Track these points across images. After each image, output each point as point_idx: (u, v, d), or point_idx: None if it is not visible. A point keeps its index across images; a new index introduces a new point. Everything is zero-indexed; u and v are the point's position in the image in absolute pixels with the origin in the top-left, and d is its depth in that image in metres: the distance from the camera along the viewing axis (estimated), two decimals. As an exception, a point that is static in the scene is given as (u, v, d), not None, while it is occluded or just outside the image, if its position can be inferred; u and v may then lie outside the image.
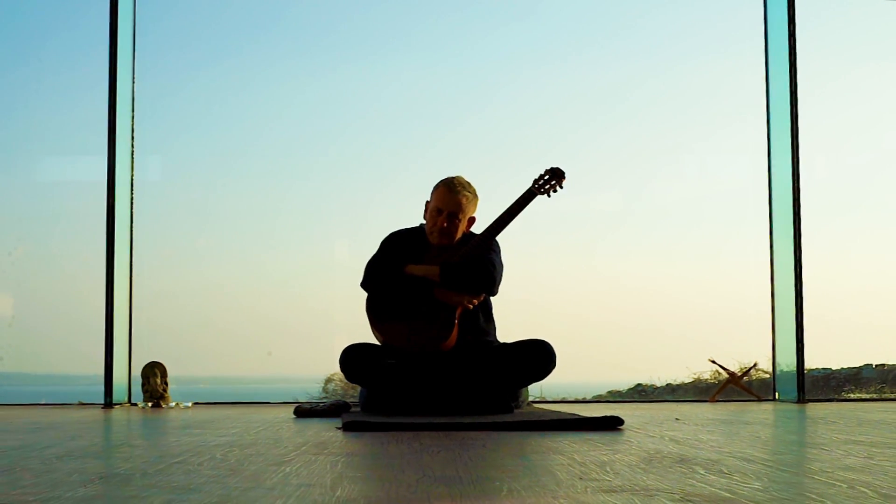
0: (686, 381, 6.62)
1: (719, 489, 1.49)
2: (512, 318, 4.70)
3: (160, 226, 5.64)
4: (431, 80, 6.42)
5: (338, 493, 1.46)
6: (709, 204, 6.32)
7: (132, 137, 4.56)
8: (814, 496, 1.42)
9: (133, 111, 4.58)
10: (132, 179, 4.54)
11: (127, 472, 1.75)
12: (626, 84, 6.33)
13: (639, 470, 1.74)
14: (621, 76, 6.32)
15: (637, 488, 1.50)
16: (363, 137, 6.35)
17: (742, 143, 5.93)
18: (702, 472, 1.71)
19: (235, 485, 1.56)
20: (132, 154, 4.55)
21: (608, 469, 1.75)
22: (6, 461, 1.94)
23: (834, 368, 7.50)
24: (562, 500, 1.38)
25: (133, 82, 4.58)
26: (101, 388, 4.70)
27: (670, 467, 1.78)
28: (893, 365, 7.46)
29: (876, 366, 7.47)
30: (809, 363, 7.40)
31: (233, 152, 6.37)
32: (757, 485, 1.54)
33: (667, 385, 6.96)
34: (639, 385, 7.18)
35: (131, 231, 4.49)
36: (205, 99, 6.33)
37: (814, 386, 7.22)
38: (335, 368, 6.36)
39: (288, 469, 1.77)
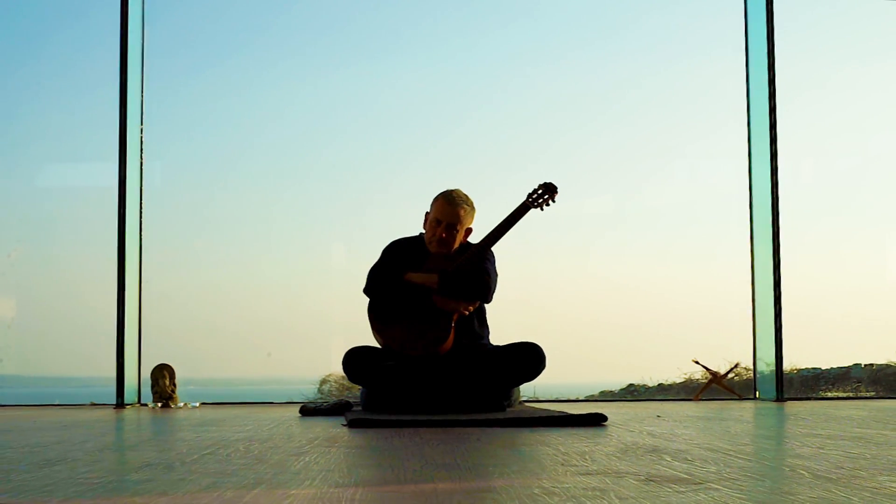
0: (678, 382, 6.92)
1: (680, 472, 1.78)
2: (509, 319, 4.99)
3: (162, 230, 5.92)
4: (425, 85, 6.71)
5: (355, 477, 1.75)
6: (701, 206, 6.62)
7: (141, 144, 4.82)
8: (756, 477, 1.72)
9: (142, 118, 4.84)
10: (141, 185, 4.81)
11: (167, 461, 2.04)
12: (614, 90, 6.63)
13: (614, 458, 2.04)
14: (608, 82, 6.63)
15: (610, 472, 1.79)
16: (359, 142, 6.63)
17: (729, 147, 6.23)
18: (669, 459, 2.01)
19: (265, 470, 1.85)
20: (141, 160, 4.82)
21: (587, 457, 2.05)
22: (55, 453, 2.23)
23: (823, 368, 7.82)
24: (544, 481, 1.67)
25: (142, 91, 4.84)
26: (105, 389, 5.00)
27: (642, 456, 2.08)
28: (882, 364, 7.77)
29: (865, 365, 7.79)
30: (799, 363, 7.74)
31: (229, 157, 6.65)
32: (712, 468, 1.84)
33: (658, 385, 7.25)
34: (631, 385, 7.48)
35: (140, 237, 4.76)
36: (202, 103, 6.60)
37: (803, 385, 7.54)
38: (330, 370, 6.66)
39: (307, 458, 2.06)
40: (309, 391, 6.51)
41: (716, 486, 1.58)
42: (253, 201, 6.65)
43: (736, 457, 2.06)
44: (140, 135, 4.81)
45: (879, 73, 6.52)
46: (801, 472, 1.79)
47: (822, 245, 6.47)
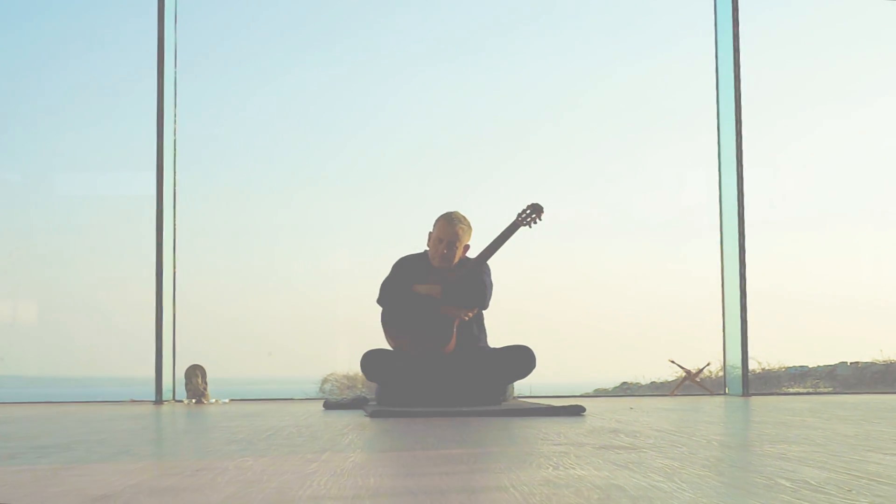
0: (669, 380, 7.73)
1: (625, 444, 2.60)
2: (506, 324, 5.78)
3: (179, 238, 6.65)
4: (416, 95, 7.49)
5: (391, 445, 2.56)
6: (691, 214, 7.41)
7: (174, 153, 5.58)
8: (678, 445, 2.54)
9: (175, 127, 5.59)
10: (174, 196, 5.58)
11: (245, 439, 2.84)
12: (596, 102, 7.44)
13: (581, 435, 2.86)
14: (588, 89, 7.43)
15: (575, 443, 2.61)
16: (362, 158, 7.42)
17: (708, 154, 7.00)
18: (623, 436, 2.83)
19: (324, 444, 2.66)
20: (174, 170, 5.58)
21: (561, 435, 2.87)
22: (152, 435, 3.04)
23: (810, 366, 8.66)
24: (526, 449, 2.49)
25: (175, 99, 5.60)
26: (128, 387, 5.83)
27: (603, 434, 2.90)
28: (867, 362, 8.62)
29: (850, 363, 8.64)
30: (786, 362, 8.59)
31: (230, 163, 7.41)
32: (650, 441, 2.66)
33: (651, 383, 8.07)
34: (624, 383, 8.29)
35: (174, 245, 5.54)
36: (211, 115, 7.37)
37: (791, 382, 8.39)
38: (333, 369, 7.43)
39: (350, 436, 2.88)
40: (310, 390, 7.28)
41: (645, 450, 2.40)
42: (258, 206, 7.38)
43: (673, 434, 2.88)
44: (174, 144, 5.55)
45: (849, 81, 7.36)
46: (713, 441, 2.60)
47: (816, 246, 7.29)
